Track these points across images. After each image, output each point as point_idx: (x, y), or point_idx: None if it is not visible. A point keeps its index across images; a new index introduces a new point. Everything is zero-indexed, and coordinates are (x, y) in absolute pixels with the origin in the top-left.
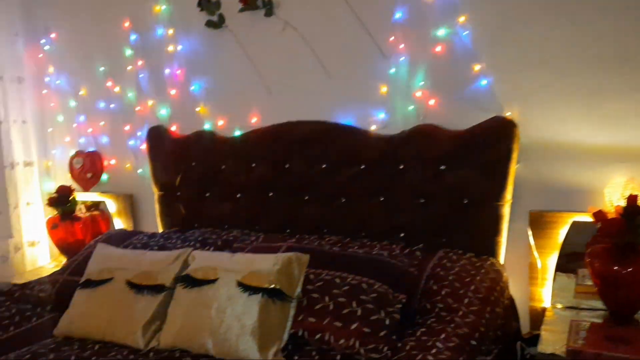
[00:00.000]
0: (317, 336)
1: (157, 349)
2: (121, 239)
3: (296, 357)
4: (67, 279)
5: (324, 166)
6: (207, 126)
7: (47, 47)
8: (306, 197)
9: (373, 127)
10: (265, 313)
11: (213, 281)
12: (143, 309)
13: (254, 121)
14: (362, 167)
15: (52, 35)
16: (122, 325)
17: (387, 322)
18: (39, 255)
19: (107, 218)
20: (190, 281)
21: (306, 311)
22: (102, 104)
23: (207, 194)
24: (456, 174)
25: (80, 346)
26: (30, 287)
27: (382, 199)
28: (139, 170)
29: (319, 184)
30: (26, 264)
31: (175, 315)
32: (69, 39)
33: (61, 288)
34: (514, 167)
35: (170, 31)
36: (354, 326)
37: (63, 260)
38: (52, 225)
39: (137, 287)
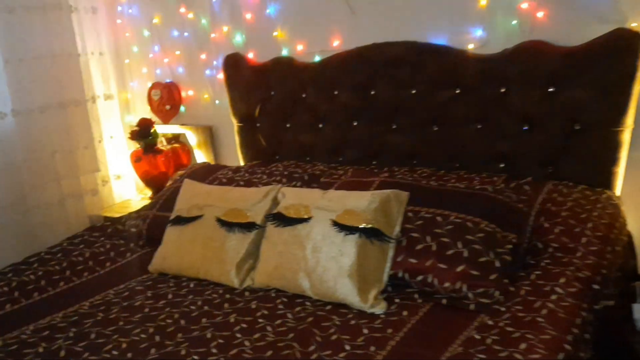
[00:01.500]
0: (419, 278)
1: (252, 288)
2: (206, 174)
3: (397, 300)
4: (157, 215)
5: (414, 91)
6: (285, 52)
7: None
8: (394, 126)
9: (470, 46)
10: (363, 254)
11: (306, 220)
12: (235, 247)
13: (336, 44)
14: (458, 91)
15: None
16: (215, 263)
17: (498, 264)
18: (126, 188)
19: (187, 150)
20: (282, 219)
21: (406, 252)
22: (176, 33)
23: (288, 125)
24: (567, 96)
25: (175, 283)
26: (122, 223)
27: (480, 126)
28: (217, 101)
29: (408, 111)
30: (114, 197)
31: (269, 254)
32: None
33: (152, 224)
34: (638, 88)
35: None
36: (460, 268)
37: (148, 192)
38: (136, 159)
39: (227, 225)
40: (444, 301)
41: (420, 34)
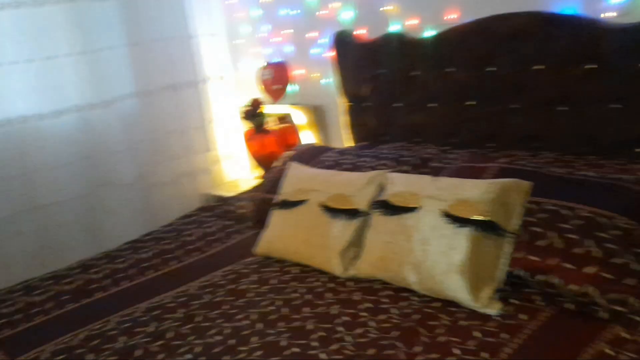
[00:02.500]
0: (541, 278)
1: (356, 278)
2: (311, 156)
3: (514, 301)
4: (264, 197)
5: (538, 67)
6: (396, 27)
7: None
8: (514, 105)
9: (606, 15)
10: (476, 249)
11: (414, 209)
12: (339, 234)
13: (452, 17)
14: (591, 66)
15: None
16: (318, 249)
17: (636, 267)
18: (235, 168)
19: (296, 130)
20: (388, 207)
21: (526, 248)
22: (285, 11)
23: (398, 104)
24: None
25: (279, 268)
26: (231, 204)
27: (618, 105)
28: (326, 80)
29: (532, 89)
30: (224, 176)
31: (374, 243)
32: None
33: (259, 206)
34: None
35: None
36: (589, 269)
37: (260, 172)
38: (249, 138)
39: (331, 211)
40: (570, 306)
41: (547, 2)
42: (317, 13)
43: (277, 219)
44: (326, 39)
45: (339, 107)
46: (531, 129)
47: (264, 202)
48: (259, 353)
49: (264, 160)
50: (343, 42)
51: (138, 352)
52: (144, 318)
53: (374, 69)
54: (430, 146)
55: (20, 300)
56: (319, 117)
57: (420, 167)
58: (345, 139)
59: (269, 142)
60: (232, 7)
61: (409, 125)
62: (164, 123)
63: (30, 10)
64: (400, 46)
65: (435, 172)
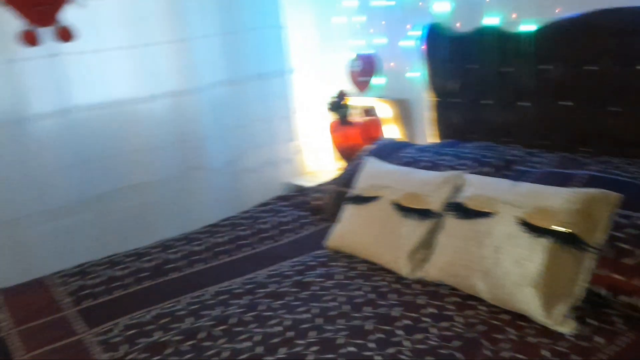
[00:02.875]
0: (625, 299)
1: (423, 281)
2: (391, 151)
3: (591, 321)
4: (340, 190)
5: None
6: (494, 20)
7: None
8: (614, 108)
9: None
10: (553, 261)
11: (489, 214)
12: (409, 233)
13: (556, 11)
14: None
15: None
16: (388, 248)
17: None
18: (319, 158)
19: (381, 124)
20: (463, 211)
21: (610, 265)
22: (381, 2)
23: (487, 101)
24: None
25: (347, 264)
26: (308, 194)
27: None
28: (414, 74)
29: (636, 90)
30: (306, 166)
31: (444, 246)
32: None
33: (334, 199)
34: None
35: None
36: None
37: (342, 163)
38: (333, 129)
39: (403, 210)
40: None
41: None
42: (411, 5)
43: (349, 213)
44: (418, 32)
45: (426, 102)
46: (632, 134)
47: (339, 195)
48: (314, 348)
49: (347, 153)
50: (435, 35)
51: (201, 335)
52: (212, 302)
53: (464, 64)
54: (518, 147)
55: (103, 274)
56: (405, 111)
57: (503, 169)
58: (430, 135)
59: (353, 134)
60: None
61: (498, 124)
62: (251, 111)
63: None
64: (494, 40)
65: (518, 176)
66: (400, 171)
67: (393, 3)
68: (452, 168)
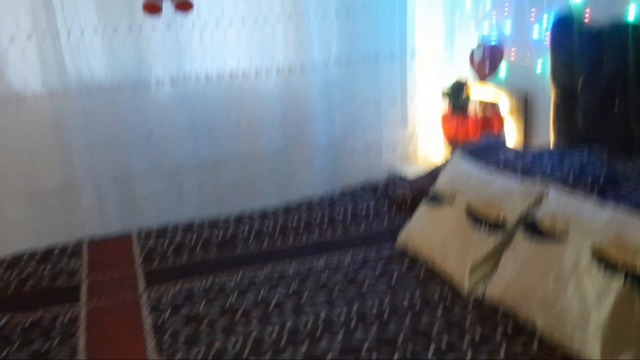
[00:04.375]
0: None
1: (479, 302)
2: (487, 151)
3: None
4: (425, 185)
5: None
6: (631, 13)
7: None
8: None
9: None
10: (624, 306)
11: (562, 239)
12: (477, 245)
13: None
14: None
15: None
16: (452, 257)
17: None
18: (433, 146)
19: (500, 117)
20: (535, 231)
21: None
22: None
23: (616, 104)
24: None
25: (407, 268)
26: (394, 186)
27: None
28: (538, 67)
29: None
30: (418, 153)
31: (509, 267)
32: None
33: (417, 194)
34: None
35: None
36: None
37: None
38: (445, 118)
39: (475, 218)
40: None
41: None
42: None
43: (423, 213)
44: (547, 20)
45: (549, 98)
46: None
47: (423, 190)
48: (336, 347)
49: (457, 145)
50: (565, 26)
51: (238, 315)
52: (261, 282)
53: (594, 60)
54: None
55: (177, 238)
56: (526, 106)
57: (606, 190)
58: (549, 135)
59: (467, 126)
60: None
61: (625, 132)
62: (363, 92)
63: None
64: (632, 37)
65: (616, 199)
66: (483, 176)
67: None
68: (544, 178)
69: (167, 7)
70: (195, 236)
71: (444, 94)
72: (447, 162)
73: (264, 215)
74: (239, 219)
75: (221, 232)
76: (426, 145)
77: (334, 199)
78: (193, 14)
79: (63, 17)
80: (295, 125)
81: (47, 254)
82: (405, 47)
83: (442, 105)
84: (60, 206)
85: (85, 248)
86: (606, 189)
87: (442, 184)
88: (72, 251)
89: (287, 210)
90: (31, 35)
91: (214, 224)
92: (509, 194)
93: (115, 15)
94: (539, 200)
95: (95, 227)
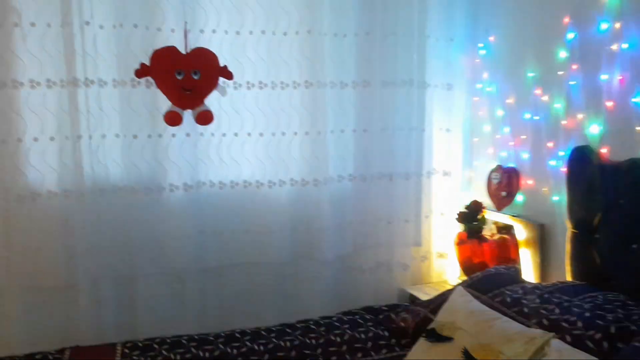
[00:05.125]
0: None
1: None
2: (493, 284)
3: None
4: (427, 316)
5: None
6: None
7: (483, 52)
8: None
9: None
10: None
11: None
12: None
13: None
14: None
15: (491, 38)
16: None
17: None
18: (447, 268)
19: (516, 245)
20: None
21: None
22: (527, 115)
23: (635, 245)
24: None
25: None
26: (397, 312)
27: None
28: (555, 198)
29: None
30: (432, 275)
31: None
32: (505, 42)
33: (419, 324)
34: None
35: (617, 25)
36: None
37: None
38: (460, 241)
39: None
40: None
41: None
42: (560, 122)
43: (419, 349)
44: (564, 152)
45: (565, 231)
46: None
47: (424, 321)
48: None
49: (471, 269)
50: (581, 159)
51: None
52: None
53: (611, 197)
54: None
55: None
56: (542, 236)
57: (613, 337)
58: (567, 271)
59: (482, 251)
60: (476, 105)
61: None
62: (374, 209)
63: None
64: None
65: (629, 352)
66: (484, 314)
67: (539, 117)
68: (552, 324)
69: (189, 118)
70: (179, 356)
71: (459, 217)
72: (449, 293)
73: (257, 334)
74: (230, 337)
75: (207, 353)
76: (440, 267)
77: (334, 322)
78: (213, 125)
79: (87, 123)
80: (305, 238)
81: None
82: (421, 167)
83: (457, 228)
84: (58, 304)
85: (66, 356)
86: (618, 339)
87: (441, 319)
88: (54, 358)
89: (282, 331)
90: (54, 137)
91: (203, 341)
92: (510, 340)
93: (137, 124)
94: (540, 351)
95: (90, 327)
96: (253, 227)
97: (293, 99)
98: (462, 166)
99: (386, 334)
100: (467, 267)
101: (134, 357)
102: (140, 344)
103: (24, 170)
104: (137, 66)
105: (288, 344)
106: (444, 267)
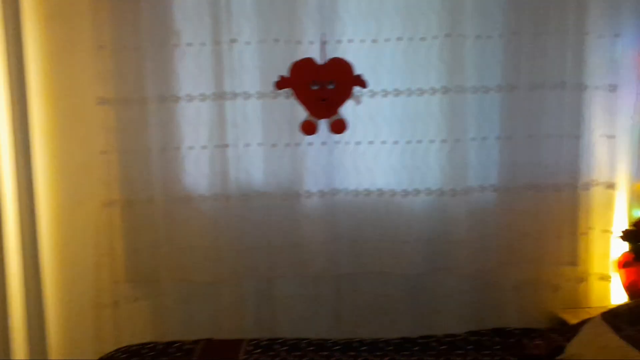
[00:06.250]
0: None
1: None
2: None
3: None
4: (561, 345)
5: None
6: None
7: None
8: None
9: None
10: None
11: None
12: None
13: None
14: None
15: None
16: None
17: None
18: (611, 293)
19: None
20: None
21: None
22: None
23: None
24: None
25: None
26: (531, 337)
27: None
28: None
29: None
30: (591, 299)
31: None
32: None
33: (552, 354)
34: None
35: None
36: None
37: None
38: (624, 263)
39: None
40: None
41: None
42: None
43: None
44: None
45: None
46: None
47: (556, 351)
48: None
49: (637, 296)
50: None
51: None
52: None
53: None
54: None
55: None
56: None
57: None
58: None
59: None
60: None
61: None
62: (521, 223)
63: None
64: None
65: None
66: (621, 351)
67: None
68: None
69: (324, 127)
70: (296, 359)
71: (623, 235)
72: (586, 324)
73: (374, 345)
74: (347, 346)
75: (322, 359)
76: (601, 291)
77: (458, 341)
78: (348, 133)
79: (235, 133)
80: (441, 249)
81: (165, 348)
82: (576, 178)
83: (622, 247)
84: (205, 298)
85: (200, 347)
86: None
87: (570, 352)
88: (187, 348)
89: (401, 345)
90: (206, 146)
91: (320, 346)
92: None
93: (276, 133)
94: None
95: (232, 322)
96: (387, 236)
97: (430, 106)
98: (629, 177)
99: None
100: (633, 292)
101: (255, 355)
102: (262, 343)
103: (181, 176)
104: (277, 79)
105: (405, 359)
106: (606, 291)
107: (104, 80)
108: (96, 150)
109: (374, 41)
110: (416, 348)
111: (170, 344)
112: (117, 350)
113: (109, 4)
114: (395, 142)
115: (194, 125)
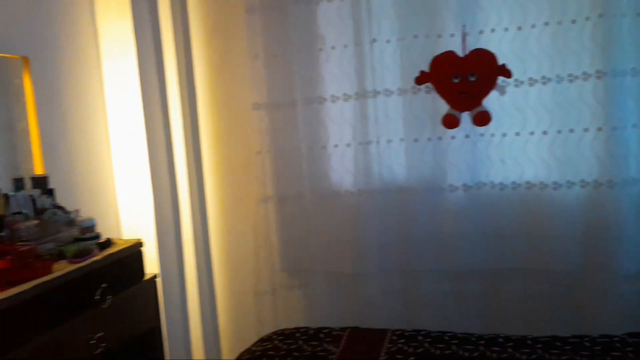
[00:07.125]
0: None
1: None
2: None
3: None
4: None
5: None
6: None
7: None
8: None
9: None
10: None
11: None
12: None
13: None
14: None
15: None
16: None
17: None
18: None
19: None
20: None
21: None
22: None
23: None
24: None
25: None
26: None
27: None
28: None
29: None
30: None
31: None
32: None
33: None
34: None
35: None
36: None
37: None
38: None
39: None
40: None
41: None
42: None
43: None
44: None
45: None
46: None
47: None
48: None
49: None
50: None
51: None
52: None
53: None
54: None
55: (420, 348)
56: None
57: None
58: None
59: None
60: None
61: None
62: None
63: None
64: None
65: None
66: None
67: None
68: None
69: (466, 120)
70: (439, 351)
71: None
72: None
73: (522, 342)
74: (492, 341)
75: (466, 353)
76: None
77: (615, 342)
78: (492, 124)
79: (376, 130)
80: (598, 246)
81: (316, 333)
82: None
83: None
84: (350, 289)
85: (347, 333)
86: None
87: None
88: (336, 334)
89: (551, 343)
90: (350, 144)
91: (464, 340)
92: None
93: (418, 128)
94: None
95: (377, 312)
96: (536, 231)
97: (583, 92)
98: None
99: None
100: None
101: (399, 345)
102: (407, 334)
103: (328, 173)
104: (417, 74)
105: (554, 357)
106: None
107: (258, 86)
108: (252, 151)
109: (519, 29)
110: (568, 347)
111: (320, 329)
112: (274, 333)
113: (260, 17)
114: (545, 132)
115: (338, 124)
